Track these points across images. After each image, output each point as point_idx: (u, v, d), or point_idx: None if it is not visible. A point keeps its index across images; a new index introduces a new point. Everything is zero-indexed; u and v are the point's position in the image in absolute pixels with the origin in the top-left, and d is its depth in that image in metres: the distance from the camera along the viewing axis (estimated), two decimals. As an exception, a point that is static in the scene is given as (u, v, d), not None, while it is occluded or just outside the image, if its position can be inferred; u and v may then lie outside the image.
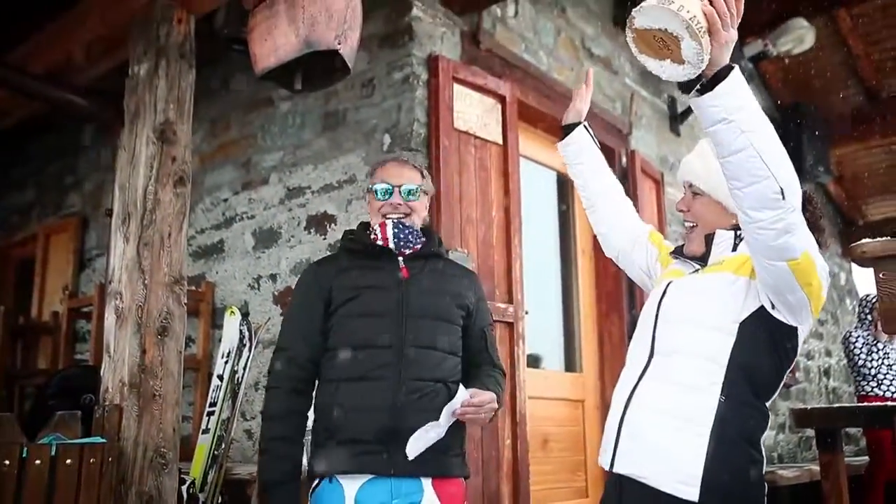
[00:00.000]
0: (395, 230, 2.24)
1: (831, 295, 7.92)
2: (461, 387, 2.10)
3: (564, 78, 4.70)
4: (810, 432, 5.76)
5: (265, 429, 2.18)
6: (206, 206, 4.61)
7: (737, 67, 1.62)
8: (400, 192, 2.26)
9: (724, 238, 1.98)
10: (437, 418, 2.10)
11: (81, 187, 5.69)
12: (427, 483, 2.11)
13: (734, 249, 1.96)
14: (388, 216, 2.26)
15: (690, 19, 1.54)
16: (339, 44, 2.49)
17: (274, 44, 2.50)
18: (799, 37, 5.60)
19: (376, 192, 2.28)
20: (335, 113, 4.00)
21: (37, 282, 5.85)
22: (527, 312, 3.97)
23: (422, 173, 2.36)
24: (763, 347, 1.82)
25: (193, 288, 4.23)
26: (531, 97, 4.31)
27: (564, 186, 4.90)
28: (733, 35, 1.59)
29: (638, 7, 1.59)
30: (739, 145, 1.61)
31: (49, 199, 5.96)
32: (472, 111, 3.87)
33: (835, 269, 8.20)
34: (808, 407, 6.20)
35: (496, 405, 2.15)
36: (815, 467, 3.96)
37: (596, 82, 4.99)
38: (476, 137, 3.86)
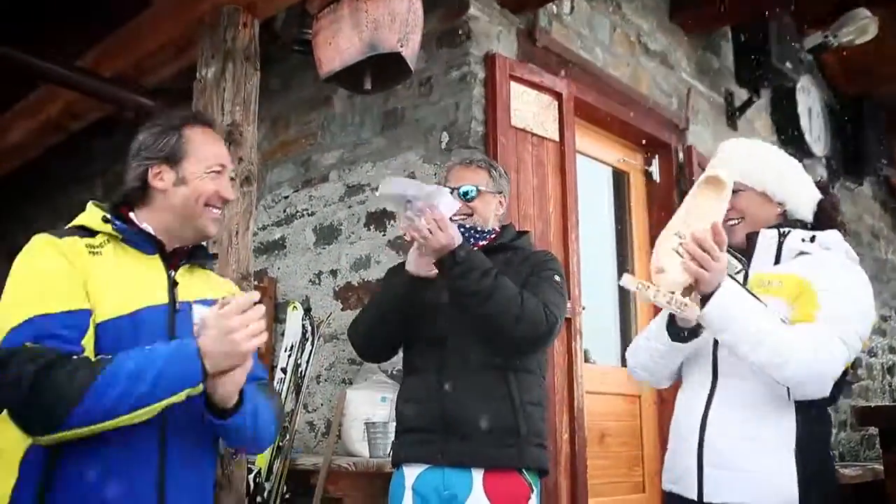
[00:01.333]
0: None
1: (895, 290, 7.73)
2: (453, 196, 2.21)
3: (620, 74, 4.68)
4: (873, 430, 5.64)
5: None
6: (267, 203, 4.72)
7: (719, 293, 1.75)
8: (459, 194, 2.34)
9: (767, 239, 2.01)
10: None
11: (146, 185, 5.85)
12: (478, 477, 2.11)
13: (777, 260, 1.99)
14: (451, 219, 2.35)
15: (668, 303, 1.72)
16: (402, 46, 2.55)
17: (338, 47, 2.56)
18: (861, 27, 5.47)
19: None
20: (394, 111, 4.06)
21: (104, 277, 6.04)
22: (584, 308, 3.99)
23: (490, 172, 2.41)
24: None
25: (256, 283, 4.33)
26: (587, 93, 4.30)
27: (620, 182, 4.89)
28: (719, 267, 1.74)
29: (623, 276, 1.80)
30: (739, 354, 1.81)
31: (114, 196, 6.13)
32: (529, 109, 3.89)
33: (897, 263, 8.00)
34: (872, 405, 6.08)
35: (442, 241, 2.10)
36: (879, 466, 3.89)
37: (652, 77, 4.97)
38: (533, 135, 3.88)
